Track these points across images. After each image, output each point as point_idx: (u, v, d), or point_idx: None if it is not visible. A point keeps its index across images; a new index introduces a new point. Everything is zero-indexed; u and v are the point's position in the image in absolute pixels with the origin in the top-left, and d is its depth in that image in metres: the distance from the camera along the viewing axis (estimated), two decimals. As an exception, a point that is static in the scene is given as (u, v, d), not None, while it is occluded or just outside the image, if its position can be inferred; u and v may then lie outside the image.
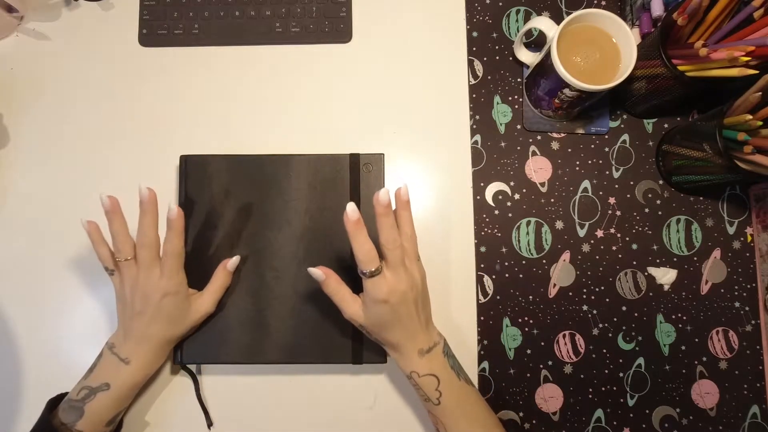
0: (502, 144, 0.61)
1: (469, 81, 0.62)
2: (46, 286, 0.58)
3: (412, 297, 0.47)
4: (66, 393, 0.51)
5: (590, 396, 0.57)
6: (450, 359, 0.50)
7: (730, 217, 0.60)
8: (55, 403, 0.50)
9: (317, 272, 0.48)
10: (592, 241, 0.59)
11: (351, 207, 0.44)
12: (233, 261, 0.54)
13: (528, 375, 0.58)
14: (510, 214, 0.60)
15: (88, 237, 0.49)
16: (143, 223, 0.48)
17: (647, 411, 0.57)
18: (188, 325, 0.52)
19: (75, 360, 0.57)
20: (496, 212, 0.60)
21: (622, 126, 0.61)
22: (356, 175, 0.57)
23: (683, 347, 0.58)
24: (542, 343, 0.58)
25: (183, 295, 0.51)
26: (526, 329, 0.58)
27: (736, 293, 0.59)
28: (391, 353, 0.50)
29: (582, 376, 0.58)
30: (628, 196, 0.60)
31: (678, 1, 0.55)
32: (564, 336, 0.58)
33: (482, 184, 0.60)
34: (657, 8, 0.58)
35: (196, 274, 0.55)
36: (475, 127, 0.61)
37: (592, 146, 0.61)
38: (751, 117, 0.49)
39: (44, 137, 0.61)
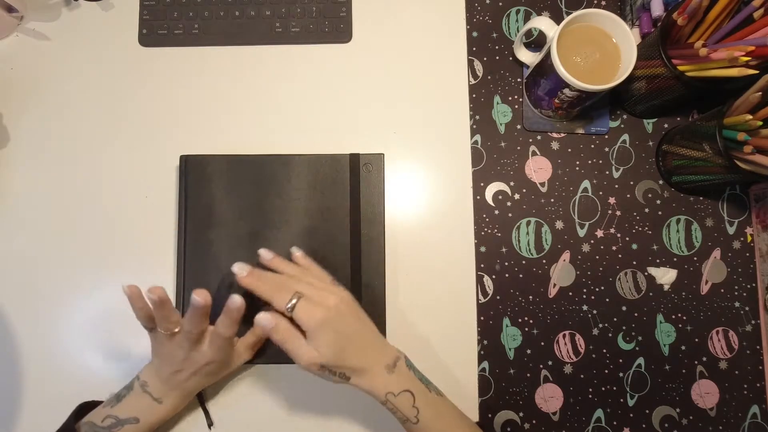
0: (502, 144, 0.61)
1: (469, 81, 0.62)
2: (46, 285, 0.58)
3: (345, 310, 0.46)
4: (92, 402, 0.51)
5: (590, 396, 0.57)
6: (416, 372, 0.49)
7: (730, 217, 0.60)
8: (80, 411, 0.50)
9: (266, 319, 0.44)
10: (592, 241, 0.59)
11: (237, 267, 0.46)
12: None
13: (528, 375, 0.58)
14: (510, 214, 0.60)
15: (129, 300, 0.45)
16: (194, 319, 0.46)
17: (647, 411, 0.57)
18: (224, 374, 0.52)
19: (74, 359, 0.57)
20: (496, 212, 0.60)
21: (622, 126, 0.61)
22: (356, 175, 0.57)
23: (683, 347, 0.58)
24: (542, 343, 0.58)
25: (227, 358, 0.50)
26: (526, 329, 0.58)
27: (736, 293, 0.59)
28: (363, 381, 0.47)
29: (582, 376, 0.58)
30: (628, 196, 0.60)
31: (678, 1, 0.55)
32: (564, 336, 0.58)
33: (482, 184, 0.60)
34: (657, 8, 0.58)
35: (196, 275, 0.55)
36: (475, 127, 0.61)
37: (592, 146, 0.61)
38: (751, 117, 0.49)
39: (44, 137, 0.61)
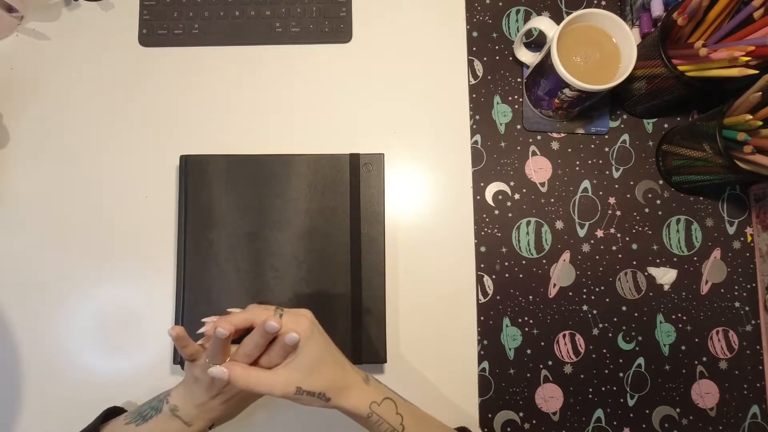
0: (502, 144, 0.61)
1: (469, 81, 0.62)
2: (46, 285, 0.58)
3: (318, 324, 0.45)
4: (117, 408, 0.51)
5: (590, 396, 0.57)
6: (381, 383, 0.48)
7: (730, 217, 0.60)
8: (107, 416, 0.49)
9: (219, 371, 0.41)
10: (592, 241, 0.59)
11: (212, 326, 0.43)
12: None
13: (528, 375, 0.58)
14: (510, 214, 0.60)
15: (175, 341, 0.43)
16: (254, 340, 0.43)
17: (647, 411, 0.57)
18: (254, 401, 0.51)
19: (74, 359, 0.57)
20: (496, 212, 0.60)
21: (622, 126, 0.61)
22: (356, 175, 0.57)
23: (683, 347, 0.58)
24: (542, 343, 0.58)
25: None
26: (526, 329, 0.58)
27: (736, 293, 0.59)
28: (345, 399, 0.45)
29: (582, 376, 0.58)
30: (628, 196, 0.60)
31: (678, 1, 0.55)
32: (564, 336, 0.58)
33: (482, 184, 0.60)
34: (657, 8, 0.58)
35: (196, 275, 0.55)
36: (475, 127, 0.61)
37: (592, 146, 0.61)
38: (751, 117, 0.49)
39: (44, 137, 0.61)
